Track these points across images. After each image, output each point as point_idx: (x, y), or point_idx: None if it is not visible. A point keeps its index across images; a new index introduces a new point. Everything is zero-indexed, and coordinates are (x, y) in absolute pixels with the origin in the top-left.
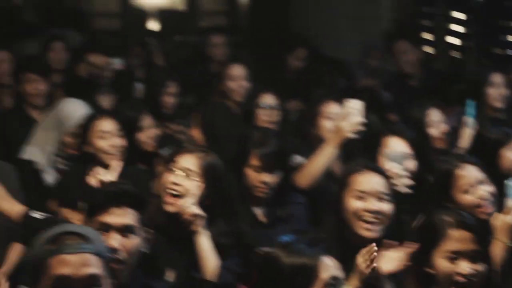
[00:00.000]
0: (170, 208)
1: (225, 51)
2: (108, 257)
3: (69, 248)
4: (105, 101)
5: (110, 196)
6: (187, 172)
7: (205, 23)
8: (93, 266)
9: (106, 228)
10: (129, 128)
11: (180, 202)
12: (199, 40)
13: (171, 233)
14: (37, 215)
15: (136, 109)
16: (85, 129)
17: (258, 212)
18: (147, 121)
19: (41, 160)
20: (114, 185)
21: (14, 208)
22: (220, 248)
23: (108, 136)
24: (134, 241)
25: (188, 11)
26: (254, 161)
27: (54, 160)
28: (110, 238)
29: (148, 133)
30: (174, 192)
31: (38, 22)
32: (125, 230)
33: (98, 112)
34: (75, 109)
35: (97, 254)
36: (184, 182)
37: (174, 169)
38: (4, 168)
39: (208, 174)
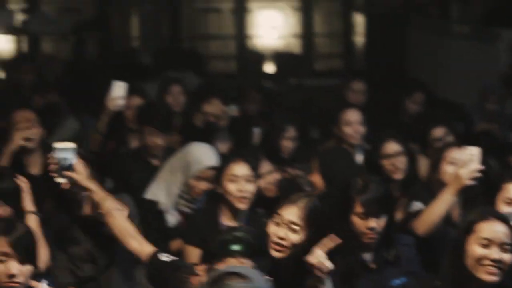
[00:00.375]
0: (276, 254)
1: (363, 97)
2: None
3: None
4: (223, 147)
5: (225, 246)
6: (291, 226)
7: (320, 66)
8: None
9: None
10: None
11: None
12: (340, 84)
13: (279, 280)
14: (164, 257)
15: (254, 156)
16: (219, 170)
17: (367, 258)
18: (265, 167)
19: (165, 201)
20: (229, 233)
21: (144, 248)
22: None
23: (239, 180)
24: None
25: (304, 54)
26: (359, 208)
27: (178, 202)
28: None
29: (268, 179)
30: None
31: (155, 65)
32: None
33: (234, 156)
34: (203, 153)
35: None
36: (289, 235)
37: (278, 222)
38: (129, 204)
39: (311, 220)
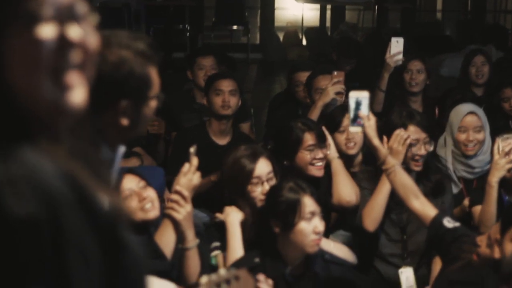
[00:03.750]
0: None
1: None
2: None
3: None
4: None
5: None
6: None
7: None
8: None
9: None
10: None
11: None
12: None
13: None
14: (447, 222)
15: None
16: None
17: None
18: None
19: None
20: None
21: (427, 210)
22: None
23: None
24: None
25: None
26: None
27: (455, 168)
28: None
29: None
30: None
31: (458, 38)
32: None
33: None
34: (463, 105)
35: None
36: None
37: None
38: None
39: None
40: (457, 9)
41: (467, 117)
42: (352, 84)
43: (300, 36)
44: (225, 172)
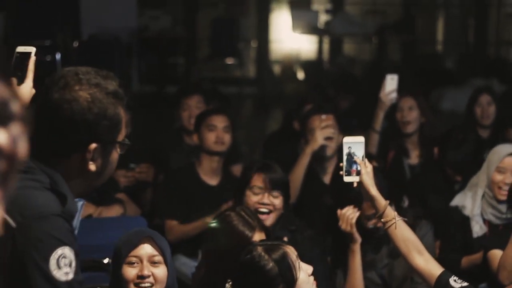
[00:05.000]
0: None
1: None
2: None
3: None
4: None
5: None
6: None
7: None
8: None
9: None
10: None
11: None
12: None
13: None
14: (454, 282)
15: None
16: None
17: None
18: None
19: (470, 206)
20: None
21: (431, 268)
22: None
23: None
24: None
25: None
26: None
27: (483, 209)
28: None
29: None
30: None
31: (459, 71)
32: None
33: None
34: (503, 146)
35: None
36: None
37: None
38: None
39: None
40: (458, 40)
41: (508, 158)
42: (349, 120)
43: (297, 70)
44: (219, 244)
